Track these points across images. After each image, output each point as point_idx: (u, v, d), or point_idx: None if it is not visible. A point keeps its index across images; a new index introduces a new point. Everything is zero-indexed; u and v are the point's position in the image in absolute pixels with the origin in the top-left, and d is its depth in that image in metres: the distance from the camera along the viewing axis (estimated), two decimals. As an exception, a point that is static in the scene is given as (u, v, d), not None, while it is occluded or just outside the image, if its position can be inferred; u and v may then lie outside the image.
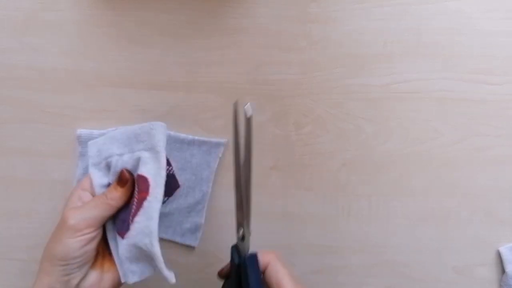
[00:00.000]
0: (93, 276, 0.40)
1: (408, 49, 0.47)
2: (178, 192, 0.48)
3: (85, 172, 0.47)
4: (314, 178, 0.49)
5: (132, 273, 0.40)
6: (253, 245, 0.50)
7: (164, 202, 0.42)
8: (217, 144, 0.48)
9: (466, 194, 0.49)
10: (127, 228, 0.40)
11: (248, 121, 0.35)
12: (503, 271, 0.49)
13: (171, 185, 0.47)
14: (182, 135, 0.47)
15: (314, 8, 0.47)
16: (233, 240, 0.41)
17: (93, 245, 0.39)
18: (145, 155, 0.40)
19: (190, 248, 0.50)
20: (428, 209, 0.49)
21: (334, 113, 0.48)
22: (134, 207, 0.40)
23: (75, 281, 0.39)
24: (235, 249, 0.39)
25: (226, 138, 0.48)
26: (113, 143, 0.43)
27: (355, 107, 0.48)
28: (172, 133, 0.47)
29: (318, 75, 0.48)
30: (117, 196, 0.41)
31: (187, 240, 0.49)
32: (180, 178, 0.48)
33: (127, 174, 0.41)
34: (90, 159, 0.43)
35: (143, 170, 0.40)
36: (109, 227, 0.42)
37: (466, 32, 0.47)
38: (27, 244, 0.49)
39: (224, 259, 0.50)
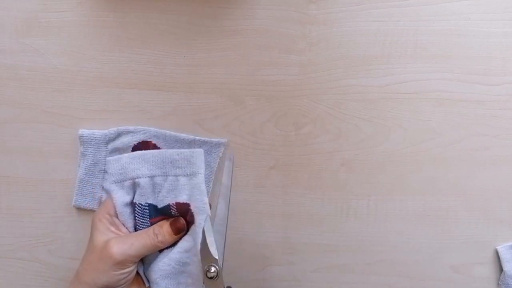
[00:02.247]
0: None
1: (407, 50, 0.47)
2: None
3: (87, 172, 0.47)
4: (313, 178, 0.49)
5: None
6: (253, 245, 0.50)
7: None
8: (218, 144, 0.48)
9: (464, 194, 0.49)
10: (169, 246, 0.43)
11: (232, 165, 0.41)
12: (501, 270, 0.50)
13: None
14: (183, 135, 0.48)
15: (313, 10, 0.47)
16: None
17: (133, 274, 0.42)
18: (183, 181, 0.42)
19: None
20: (426, 209, 0.50)
21: (333, 114, 0.48)
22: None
23: None
24: None
25: (227, 138, 0.48)
26: (143, 164, 0.43)
27: (354, 108, 0.48)
28: (172, 133, 0.48)
29: (317, 75, 0.48)
30: (169, 241, 0.42)
31: None
32: None
33: (183, 223, 0.43)
34: (112, 177, 0.43)
35: (184, 198, 0.42)
36: None
37: (464, 33, 0.47)
38: (28, 243, 0.49)
39: (223, 257, 0.50)
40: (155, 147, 0.47)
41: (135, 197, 0.44)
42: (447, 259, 0.50)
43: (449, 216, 0.50)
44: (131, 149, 0.47)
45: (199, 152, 0.42)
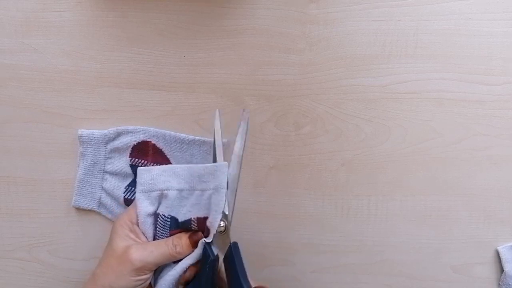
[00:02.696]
0: None
1: (407, 49, 0.47)
2: None
3: (86, 172, 0.47)
4: (313, 178, 0.49)
5: None
6: (253, 244, 0.50)
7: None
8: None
9: (464, 194, 0.49)
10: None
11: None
12: (501, 270, 0.50)
13: None
14: (182, 135, 0.48)
15: (313, 9, 0.47)
16: (233, 239, 0.41)
17: (148, 282, 0.42)
18: (206, 196, 0.43)
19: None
20: (427, 209, 0.49)
21: (334, 113, 0.48)
22: None
23: None
24: (208, 245, 0.41)
25: (227, 138, 0.48)
26: (172, 177, 0.43)
27: (354, 108, 0.48)
28: (172, 133, 0.48)
29: (317, 75, 0.48)
30: (186, 253, 0.43)
31: None
32: None
33: (201, 237, 0.43)
34: (140, 186, 0.43)
35: (205, 212, 0.43)
36: None
37: (464, 33, 0.47)
38: (28, 243, 0.49)
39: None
40: (154, 147, 0.47)
41: (160, 208, 0.44)
42: (447, 259, 0.50)
43: (449, 216, 0.50)
44: (131, 149, 0.47)
45: (222, 166, 0.42)
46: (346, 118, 0.48)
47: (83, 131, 0.47)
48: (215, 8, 0.47)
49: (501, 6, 0.47)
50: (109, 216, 0.48)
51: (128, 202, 0.47)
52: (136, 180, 0.44)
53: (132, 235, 0.43)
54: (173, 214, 0.43)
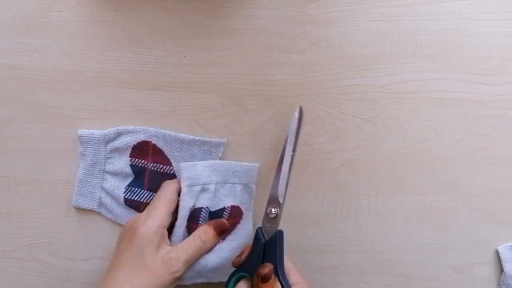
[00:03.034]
0: None
1: (407, 49, 0.47)
2: None
3: (86, 172, 0.47)
4: (313, 178, 0.49)
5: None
6: (253, 245, 0.50)
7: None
8: (217, 144, 0.48)
9: (464, 194, 0.49)
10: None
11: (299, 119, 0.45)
12: (501, 270, 0.50)
13: None
14: (183, 135, 0.48)
15: (314, 9, 0.47)
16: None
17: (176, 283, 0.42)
18: (239, 188, 0.47)
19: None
20: (427, 209, 0.50)
21: (334, 113, 0.48)
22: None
23: None
24: (261, 230, 0.44)
25: (227, 138, 0.48)
26: (213, 172, 0.47)
27: (354, 108, 0.48)
28: (172, 133, 0.48)
29: (317, 75, 0.48)
30: (212, 242, 0.45)
31: None
32: None
33: (226, 224, 0.46)
34: (187, 180, 0.46)
35: (236, 202, 0.48)
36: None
37: (464, 32, 0.47)
38: (28, 243, 0.49)
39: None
40: (154, 147, 0.47)
41: (200, 201, 0.46)
42: (447, 259, 0.50)
43: (449, 216, 0.50)
44: (131, 149, 0.47)
45: (255, 167, 0.48)
46: (346, 118, 0.48)
47: (83, 131, 0.47)
48: (215, 8, 0.47)
49: (501, 6, 0.47)
50: (109, 216, 0.48)
51: (128, 202, 0.47)
52: (181, 175, 0.46)
53: (163, 244, 0.42)
54: (207, 205, 0.46)
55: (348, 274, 0.50)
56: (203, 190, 0.46)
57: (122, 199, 0.47)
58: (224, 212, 0.47)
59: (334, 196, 0.49)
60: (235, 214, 0.47)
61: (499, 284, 0.50)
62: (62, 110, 0.48)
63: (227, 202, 0.47)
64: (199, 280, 0.46)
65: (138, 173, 0.47)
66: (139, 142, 0.47)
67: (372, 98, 0.48)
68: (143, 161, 0.47)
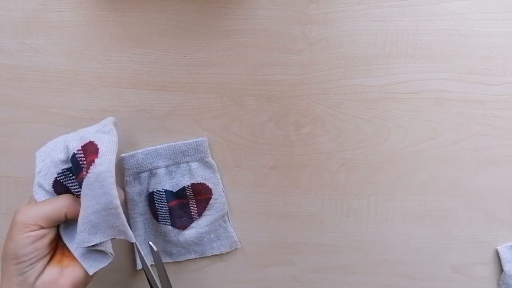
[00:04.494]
0: (52, 272, 0.39)
1: (407, 49, 0.47)
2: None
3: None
4: (313, 177, 0.49)
5: (95, 261, 0.42)
6: (253, 244, 0.50)
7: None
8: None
9: (464, 194, 0.49)
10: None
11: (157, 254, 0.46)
12: (501, 270, 0.50)
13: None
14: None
15: (313, 10, 0.47)
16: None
17: (44, 242, 0.39)
18: (194, 165, 0.48)
19: (190, 247, 0.50)
20: (427, 209, 0.50)
21: (333, 113, 0.48)
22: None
23: (31, 279, 0.38)
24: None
25: (227, 138, 0.48)
26: (157, 158, 0.48)
27: (354, 108, 0.48)
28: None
29: (317, 75, 0.48)
30: (71, 202, 0.41)
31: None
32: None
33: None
34: (128, 171, 0.47)
35: (198, 179, 0.48)
36: (63, 227, 0.42)
37: (464, 33, 0.47)
38: (28, 243, 0.49)
39: (224, 256, 0.50)
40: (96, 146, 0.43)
41: (151, 185, 0.48)
42: (447, 259, 0.50)
43: (449, 216, 0.50)
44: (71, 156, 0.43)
45: (203, 141, 0.48)
46: (346, 118, 0.48)
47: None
48: (215, 8, 0.47)
49: (501, 6, 0.47)
50: (37, 191, 0.43)
51: (57, 185, 0.43)
52: (122, 166, 0.47)
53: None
54: (166, 188, 0.48)
55: (348, 274, 0.50)
56: (152, 175, 0.48)
57: (52, 179, 0.43)
58: (186, 191, 0.48)
59: (334, 196, 0.49)
60: (200, 190, 0.48)
61: (499, 284, 0.50)
62: (62, 110, 0.48)
63: (185, 181, 0.48)
64: (191, 256, 0.50)
65: (76, 164, 0.42)
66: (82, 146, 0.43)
67: (372, 98, 0.48)
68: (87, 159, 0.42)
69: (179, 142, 0.48)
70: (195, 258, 0.50)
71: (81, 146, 0.42)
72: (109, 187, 0.38)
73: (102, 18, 0.47)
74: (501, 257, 0.49)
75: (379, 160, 0.49)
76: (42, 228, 0.39)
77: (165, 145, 0.48)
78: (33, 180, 0.42)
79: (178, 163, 0.48)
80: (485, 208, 0.49)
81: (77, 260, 0.41)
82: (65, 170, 0.43)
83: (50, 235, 0.40)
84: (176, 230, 0.49)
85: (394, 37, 0.47)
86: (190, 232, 0.49)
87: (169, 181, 0.48)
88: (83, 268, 0.41)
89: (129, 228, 0.40)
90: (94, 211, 0.39)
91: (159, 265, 0.46)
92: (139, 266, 0.49)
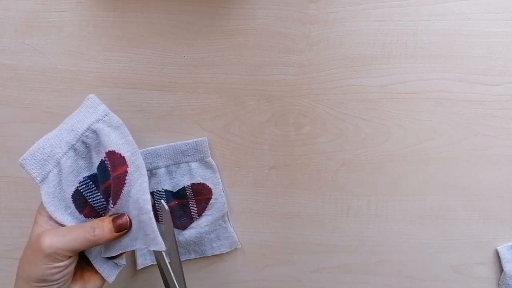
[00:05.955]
0: None
1: (407, 49, 0.47)
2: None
3: (57, 134, 0.43)
4: (313, 177, 0.49)
5: (112, 269, 0.43)
6: (253, 244, 0.50)
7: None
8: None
9: (464, 194, 0.49)
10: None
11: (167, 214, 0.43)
12: (501, 270, 0.50)
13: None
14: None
15: (313, 10, 0.47)
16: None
17: (70, 269, 0.39)
18: (194, 165, 0.48)
19: (190, 247, 0.50)
20: (427, 209, 0.50)
21: (333, 113, 0.48)
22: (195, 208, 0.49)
23: None
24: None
25: (227, 138, 0.48)
26: (157, 158, 0.48)
27: (354, 108, 0.48)
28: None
29: (317, 75, 0.48)
30: (107, 238, 0.39)
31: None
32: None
33: (126, 221, 0.40)
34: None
35: (198, 179, 0.48)
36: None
37: (464, 33, 0.47)
38: (28, 243, 0.49)
39: (224, 256, 0.50)
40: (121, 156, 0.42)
41: (151, 185, 0.48)
42: (447, 259, 0.50)
43: (449, 216, 0.50)
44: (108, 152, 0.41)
45: (203, 141, 0.48)
46: (346, 118, 0.48)
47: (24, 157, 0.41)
48: (215, 8, 0.47)
49: (501, 6, 0.47)
50: (45, 197, 0.41)
51: (76, 195, 0.42)
52: None
53: (52, 222, 0.40)
54: (166, 188, 0.48)
55: (347, 273, 0.50)
56: (152, 175, 0.48)
57: (73, 189, 0.41)
58: (186, 191, 0.48)
59: (334, 196, 0.49)
60: (200, 190, 0.48)
61: (499, 284, 0.50)
62: (62, 110, 0.48)
63: (185, 181, 0.48)
64: (191, 256, 0.50)
65: (103, 172, 0.41)
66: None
67: (372, 98, 0.48)
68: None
69: (179, 142, 0.48)
70: (195, 258, 0.50)
71: (105, 153, 0.40)
72: (142, 192, 0.39)
73: (102, 18, 0.47)
74: (501, 257, 0.49)
75: (379, 160, 0.49)
76: (71, 257, 0.38)
77: (165, 145, 0.48)
78: (33, 180, 0.42)
79: (178, 163, 0.48)
80: (485, 208, 0.49)
81: (96, 271, 0.42)
82: (86, 178, 0.42)
83: (76, 257, 0.40)
84: (176, 230, 0.49)
85: (394, 37, 0.47)
86: (190, 232, 0.49)
87: (169, 181, 0.48)
88: (102, 278, 0.42)
89: (159, 235, 0.38)
90: (133, 217, 0.40)
91: (175, 259, 0.43)
92: (139, 266, 0.49)
